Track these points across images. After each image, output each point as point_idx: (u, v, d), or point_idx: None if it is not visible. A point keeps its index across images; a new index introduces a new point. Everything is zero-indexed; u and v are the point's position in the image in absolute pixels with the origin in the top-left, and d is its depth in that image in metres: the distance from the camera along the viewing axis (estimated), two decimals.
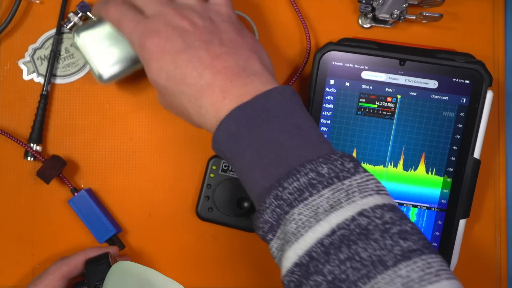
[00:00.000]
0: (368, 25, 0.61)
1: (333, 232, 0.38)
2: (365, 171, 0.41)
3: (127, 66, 0.55)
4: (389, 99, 0.57)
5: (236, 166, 0.44)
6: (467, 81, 0.57)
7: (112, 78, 0.55)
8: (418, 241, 0.38)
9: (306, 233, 0.39)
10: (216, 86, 0.44)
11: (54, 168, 0.57)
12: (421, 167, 0.58)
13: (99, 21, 0.55)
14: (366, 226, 0.38)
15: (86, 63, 0.57)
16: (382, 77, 0.57)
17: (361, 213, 0.39)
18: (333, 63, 0.57)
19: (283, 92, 0.44)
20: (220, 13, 0.49)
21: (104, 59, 0.54)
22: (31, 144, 0.58)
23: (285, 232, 0.40)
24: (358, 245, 0.38)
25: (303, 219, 0.39)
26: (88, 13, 0.58)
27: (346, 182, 0.40)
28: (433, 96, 0.57)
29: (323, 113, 0.57)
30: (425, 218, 0.58)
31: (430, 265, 0.37)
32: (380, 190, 0.41)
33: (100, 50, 0.54)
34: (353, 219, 0.38)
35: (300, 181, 0.40)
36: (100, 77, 0.54)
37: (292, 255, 0.39)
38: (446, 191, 0.58)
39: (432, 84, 0.57)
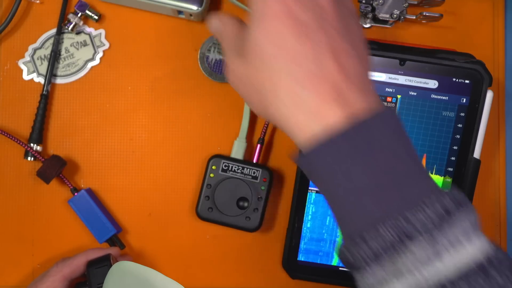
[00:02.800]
0: (368, 25, 0.61)
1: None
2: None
3: None
4: (389, 99, 0.57)
5: (332, 188, 0.38)
6: (467, 81, 0.57)
7: None
8: None
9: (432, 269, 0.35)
10: (330, 82, 0.37)
11: (54, 168, 0.57)
12: None
13: None
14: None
15: None
16: (382, 77, 0.57)
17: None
18: None
19: (392, 113, 0.38)
20: (346, 5, 0.41)
21: None
22: (31, 144, 0.58)
23: (398, 264, 0.36)
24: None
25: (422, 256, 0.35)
26: (87, 11, 0.58)
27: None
28: (433, 96, 0.57)
29: None
30: None
31: None
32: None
33: None
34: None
35: (426, 212, 0.36)
36: None
37: None
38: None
39: (432, 84, 0.57)
